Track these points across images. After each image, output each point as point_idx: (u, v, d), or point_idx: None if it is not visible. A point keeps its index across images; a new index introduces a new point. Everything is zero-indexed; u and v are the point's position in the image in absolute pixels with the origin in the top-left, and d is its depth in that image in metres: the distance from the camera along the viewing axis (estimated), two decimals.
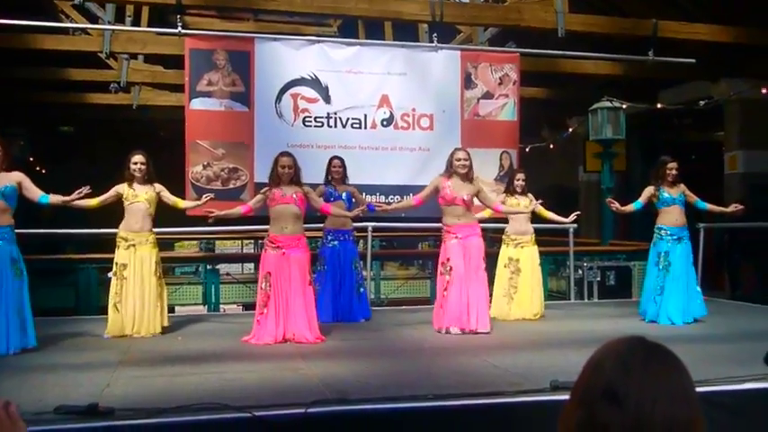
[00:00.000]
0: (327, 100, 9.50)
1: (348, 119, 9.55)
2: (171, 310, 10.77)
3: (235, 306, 11.36)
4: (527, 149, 12.93)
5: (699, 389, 3.73)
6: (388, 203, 8.46)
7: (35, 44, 11.12)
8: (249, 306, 10.65)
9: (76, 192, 6.55)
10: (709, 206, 7.98)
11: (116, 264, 6.97)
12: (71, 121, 18.67)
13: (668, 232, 7.67)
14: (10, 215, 6.26)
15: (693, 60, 10.52)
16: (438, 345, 6.51)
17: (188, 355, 5.99)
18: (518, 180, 8.33)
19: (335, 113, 9.51)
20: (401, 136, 9.65)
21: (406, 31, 12.37)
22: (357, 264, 8.15)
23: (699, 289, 7.79)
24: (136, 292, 6.86)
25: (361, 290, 8.16)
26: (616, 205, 7.90)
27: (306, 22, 14.80)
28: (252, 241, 14.98)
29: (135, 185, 7.05)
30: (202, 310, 10.36)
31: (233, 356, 5.89)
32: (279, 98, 9.35)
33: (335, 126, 9.52)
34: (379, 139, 9.59)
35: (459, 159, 7.26)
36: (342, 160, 8.24)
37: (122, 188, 7.06)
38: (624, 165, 14.41)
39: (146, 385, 4.80)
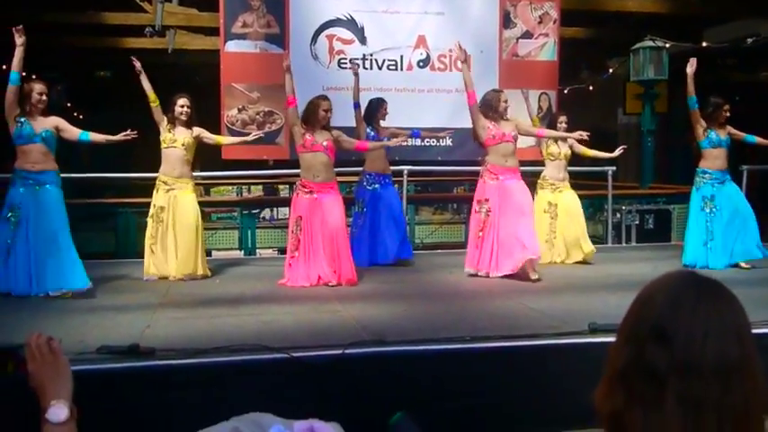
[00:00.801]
0: (363, 41, 9.38)
1: (384, 60, 9.44)
2: (208, 254, 10.93)
3: (270, 251, 11.44)
4: (565, 91, 12.67)
5: (759, 330, 3.63)
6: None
7: None
8: (284, 251, 10.74)
9: (122, 133, 6.58)
10: (758, 139, 7.79)
11: (153, 206, 6.97)
12: (107, 66, 18.68)
13: (712, 176, 7.48)
14: (53, 160, 6.30)
15: None
16: (474, 288, 6.51)
17: (226, 297, 6.05)
18: (561, 123, 8.13)
19: (371, 55, 9.40)
20: (438, 77, 9.53)
21: None
22: (398, 207, 8.06)
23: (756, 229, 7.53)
24: (175, 236, 6.85)
25: (403, 231, 8.05)
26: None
27: None
28: (286, 186, 15.01)
29: (177, 129, 6.98)
30: (239, 254, 10.45)
31: (270, 299, 5.95)
32: (314, 39, 9.26)
33: (371, 68, 9.41)
34: (416, 81, 9.48)
35: (506, 101, 7.12)
36: (386, 103, 8.01)
37: (163, 126, 6.99)
38: (666, 107, 14.06)
39: (185, 327, 4.87)
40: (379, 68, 9.42)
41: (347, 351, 3.99)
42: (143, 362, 3.91)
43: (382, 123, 8.01)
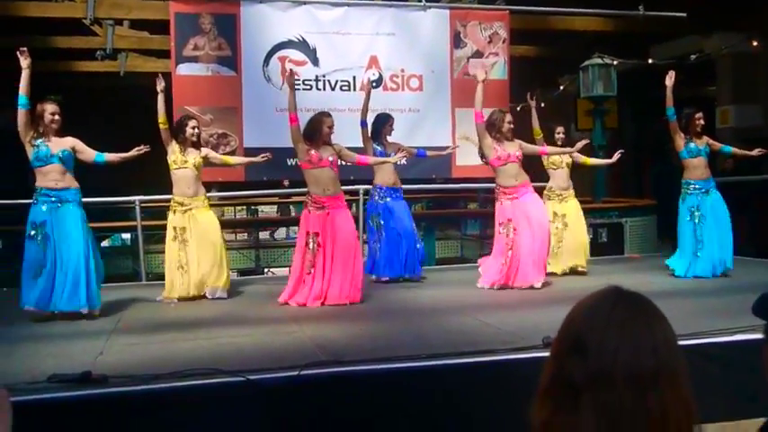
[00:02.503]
0: (315, 62, 9.41)
1: (337, 81, 9.48)
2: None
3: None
4: (518, 109, 12.85)
5: (691, 341, 3.73)
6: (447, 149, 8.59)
7: (18, 12, 10.95)
8: (243, 272, 10.72)
9: (135, 149, 6.59)
10: (734, 150, 8.05)
11: (174, 228, 6.99)
12: (59, 90, 18.44)
13: (696, 186, 7.67)
14: (72, 178, 6.29)
15: (684, 14, 10.44)
16: (431, 304, 6.53)
17: (182, 321, 5.99)
18: (558, 134, 8.40)
19: (324, 76, 9.44)
20: (390, 97, 9.58)
21: None
22: (411, 221, 8.07)
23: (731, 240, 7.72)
24: (200, 254, 6.91)
25: (418, 246, 8.09)
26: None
27: None
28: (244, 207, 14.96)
29: (188, 150, 7.07)
30: None
31: (226, 322, 5.90)
32: (266, 61, 9.26)
33: (324, 89, 9.45)
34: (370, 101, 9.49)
35: (511, 122, 7.35)
36: (393, 119, 8.12)
37: (174, 149, 7.04)
38: (616, 122, 14.35)
39: (139, 352, 4.80)
40: (332, 89, 9.46)
41: (303, 372, 3.97)
42: (95, 389, 3.84)
43: (389, 139, 8.09)
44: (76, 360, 4.44)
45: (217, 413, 3.87)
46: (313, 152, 6.69)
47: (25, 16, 11.10)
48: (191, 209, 6.99)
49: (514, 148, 7.32)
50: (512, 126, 7.35)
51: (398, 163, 7.79)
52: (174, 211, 7.03)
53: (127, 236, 10.83)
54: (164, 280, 7.15)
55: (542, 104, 15.20)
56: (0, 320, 6.08)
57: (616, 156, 8.43)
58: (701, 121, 7.71)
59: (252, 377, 3.91)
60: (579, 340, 1.19)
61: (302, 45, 9.36)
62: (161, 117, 7.08)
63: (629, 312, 1.21)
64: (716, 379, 4.38)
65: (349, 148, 7.16)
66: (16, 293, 6.25)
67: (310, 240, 6.62)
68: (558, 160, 8.29)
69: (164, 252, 10.33)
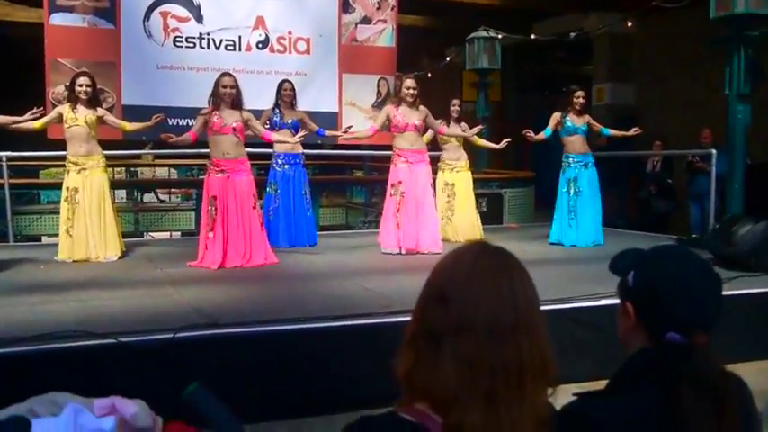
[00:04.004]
0: (199, 19, 9.13)
1: (222, 40, 9.23)
2: (38, 239, 10.37)
3: None
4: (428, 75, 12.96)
5: (562, 305, 3.87)
6: (344, 131, 8.38)
7: None
8: (123, 235, 10.33)
9: (29, 112, 6.41)
10: (612, 132, 8.40)
11: (66, 188, 6.78)
12: None
13: (575, 159, 8.01)
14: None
15: None
16: (314, 269, 6.53)
17: (51, 283, 5.72)
18: (453, 106, 8.51)
19: (208, 34, 9.17)
20: (277, 59, 9.44)
21: None
22: (306, 189, 8.02)
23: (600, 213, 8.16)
24: (91, 218, 6.74)
25: (308, 214, 8.05)
26: (531, 134, 8.03)
27: None
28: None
29: (78, 108, 6.82)
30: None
31: (99, 284, 5.69)
32: (147, 16, 8.90)
33: (208, 47, 9.19)
34: (255, 62, 9.34)
35: (409, 88, 7.39)
36: (292, 84, 7.98)
37: (64, 109, 6.84)
38: (499, 95, 14.69)
39: (4, 315, 4.56)
40: (217, 48, 9.21)
41: (178, 335, 3.89)
42: None
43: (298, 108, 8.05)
44: None
45: (87, 377, 3.73)
46: (215, 118, 6.56)
47: None
48: (84, 168, 6.80)
49: (416, 116, 7.38)
50: (410, 91, 7.37)
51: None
52: (69, 171, 6.85)
53: None
54: (38, 241, 6.88)
55: (429, 75, 15.52)
56: None
57: (503, 143, 8.59)
58: (581, 100, 8.04)
59: (124, 339, 3.79)
60: (442, 290, 1.22)
61: (185, 1, 9.04)
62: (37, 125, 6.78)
63: (492, 265, 1.24)
64: (584, 341, 4.59)
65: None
66: None
67: (209, 204, 6.56)
68: (454, 133, 8.43)
69: (36, 213, 9.95)
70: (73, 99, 6.89)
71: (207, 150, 6.87)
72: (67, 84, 8.34)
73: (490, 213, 10.45)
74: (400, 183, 7.34)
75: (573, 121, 8.01)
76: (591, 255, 7.26)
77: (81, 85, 6.87)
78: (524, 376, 1.17)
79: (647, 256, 1.57)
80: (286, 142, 7.52)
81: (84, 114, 6.84)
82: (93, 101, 6.98)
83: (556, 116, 8.06)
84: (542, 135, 8.09)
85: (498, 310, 1.18)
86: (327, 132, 8.20)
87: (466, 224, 8.42)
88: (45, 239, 9.90)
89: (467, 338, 1.17)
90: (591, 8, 12.73)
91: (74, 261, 6.73)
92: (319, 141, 9.20)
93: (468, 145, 8.86)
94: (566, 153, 8.09)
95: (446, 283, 1.22)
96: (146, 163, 14.11)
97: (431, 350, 1.19)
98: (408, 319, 3.57)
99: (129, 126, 7.34)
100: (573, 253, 7.56)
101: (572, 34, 12.07)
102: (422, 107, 7.49)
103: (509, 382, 1.16)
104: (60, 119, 6.84)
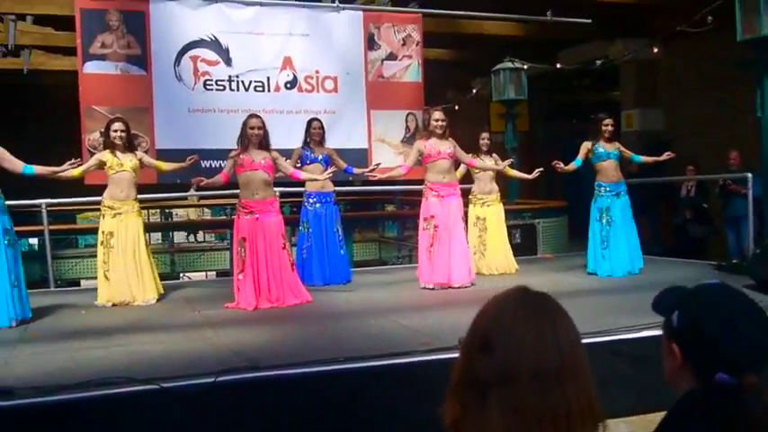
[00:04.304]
0: (228, 62, 9.26)
1: (251, 82, 9.35)
2: (77, 283, 10.52)
3: None
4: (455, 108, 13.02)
5: (599, 338, 3.84)
6: (372, 169, 8.23)
7: None
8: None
9: (68, 162, 6.51)
10: (643, 158, 8.34)
11: (102, 232, 6.90)
12: None
13: (607, 189, 7.92)
14: None
15: (590, 21, 10.76)
16: (348, 308, 6.53)
17: (92, 329, 5.79)
18: (483, 139, 8.52)
19: (237, 76, 9.29)
20: (305, 99, 9.52)
21: None
22: (339, 226, 8.09)
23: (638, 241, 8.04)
24: (126, 261, 6.84)
25: (342, 252, 8.11)
26: (561, 165, 7.98)
27: None
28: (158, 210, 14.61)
29: (118, 153, 6.99)
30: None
31: (138, 329, 5.74)
32: (177, 61, 9.05)
33: (238, 89, 9.30)
34: (284, 103, 9.43)
35: (437, 120, 7.48)
36: (321, 122, 8.15)
37: (105, 156, 6.99)
38: (527, 125, 14.68)
39: (46, 362, 4.63)
40: (246, 90, 9.32)
41: (219, 379, 3.91)
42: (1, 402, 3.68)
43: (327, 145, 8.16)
44: None
45: (130, 423, 3.76)
46: (244, 156, 6.69)
47: None
48: (120, 213, 6.93)
49: (446, 146, 7.43)
50: (439, 123, 7.44)
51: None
52: (104, 216, 6.97)
53: (34, 241, 10.46)
54: (76, 286, 6.98)
55: (456, 107, 15.59)
56: None
57: (535, 173, 8.55)
58: (610, 127, 8.00)
59: (166, 385, 3.82)
60: (486, 338, 1.22)
61: (214, 44, 9.19)
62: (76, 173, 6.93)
63: (534, 310, 1.25)
64: (624, 374, 4.54)
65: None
66: None
67: (239, 246, 6.64)
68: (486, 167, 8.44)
69: (75, 257, 10.12)
70: (109, 145, 7.06)
71: (238, 191, 6.93)
72: (102, 130, 8.58)
73: (524, 244, 10.40)
74: (433, 217, 7.35)
75: (604, 147, 7.97)
76: (627, 284, 7.20)
77: (116, 131, 7.03)
78: (572, 422, 1.17)
79: (690, 295, 1.56)
80: (315, 179, 7.58)
81: (128, 159, 7.01)
82: (129, 145, 7.13)
83: (586, 145, 8.02)
84: (573, 165, 8.05)
85: (543, 356, 1.18)
86: (356, 170, 8.25)
87: (499, 258, 8.40)
88: (84, 283, 10.05)
89: (512, 387, 1.17)
90: (616, 35, 12.74)
91: (113, 305, 6.80)
92: (350, 179, 9.26)
93: (499, 176, 8.85)
94: (598, 181, 8.00)
95: (489, 331, 1.23)
96: (179, 204, 14.28)
97: (477, 400, 1.19)
98: (447, 356, 3.57)
99: (165, 166, 7.48)
100: (609, 283, 7.46)
101: (598, 62, 12.07)
102: (450, 139, 7.53)
103: (557, 429, 1.16)
104: (101, 165, 6.99)
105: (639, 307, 5.49)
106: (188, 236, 13.40)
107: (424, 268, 7.39)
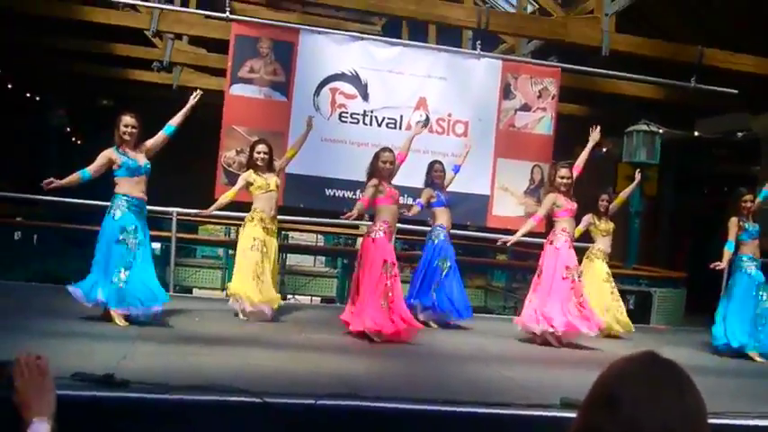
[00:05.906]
0: (365, 97, 9.54)
1: (384, 118, 9.58)
2: (190, 291, 11.01)
3: None
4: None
5: (713, 420, 3.69)
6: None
7: (83, 16, 11.28)
8: None
9: (192, 96, 7.27)
10: None
11: (254, 238, 7.19)
12: (112, 95, 18.88)
13: (757, 264, 7.56)
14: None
15: (736, 91, 10.42)
16: (452, 351, 6.54)
17: (205, 337, 6.06)
18: (602, 201, 8.40)
19: (372, 111, 9.55)
20: (435, 140, 9.65)
21: (449, 36, 12.37)
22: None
23: None
24: (268, 269, 7.21)
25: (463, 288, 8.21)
26: (719, 265, 7.55)
27: (350, 19, 14.87)
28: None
29: (262, 174, 7.38)
30: (220, 294, 10.46)
31: (250, 342, 5.96)
32: (317, 91, 9.41)
33: (371, 124, 9.55)
34: (414, 142, 9.58)
35: (563, 177, 7.33)
36: (443, 165, 8.30)
37: (251, 176, 7.37)
38: (655, 190, 14.27)
39: (161, 361, 4.88)
40: (379, 125, 9.56)
41: (320, 402, 4.01)
42: (116, 392, 3.91)
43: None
44: (99, 361, 4.51)
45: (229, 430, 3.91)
46: (387, 187, 6.89)
47: (89, 21, 11.41)
48: (268, 228, 7.31)
49: (572, 205, 7.37)
50: (564, 180, 7.28)
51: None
52: (255, 225, 7.26)
53: (156, 245, 11.00)
54: (190, 293, 7.25)
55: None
56: (24, 315, 6.20)
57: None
58: (749, 204, 7.62)
59: (269, 400, 3.95)
60: (612, 395, 1.23)
61: (354, 79, 9.50)
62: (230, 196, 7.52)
63: (664, 376, 1.25)
64: None
65: (396, 187, 7.19)
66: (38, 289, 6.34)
67: (383, 268, 6.62)
68: (606, 227, 8.31)
69: (192, 266, 10.57)
70: (251, 165, 7.42)
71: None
72: (239, 149, 8.98)
73: (637, 311, 10.11)
74: (576, 266, 7.24)
75: (751, 224, 7.59)
76: (747, 367, 6.87)
77: (259, 152, 7.39)
78: None
79: None
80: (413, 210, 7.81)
81: (273, 179, 7.38)
82: (270, 166, 7.45)
83: (734, 221, 7.55)
84: (727, 252, 7.54)
85: (669, 420, 1.19)
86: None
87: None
88: (196, 292, 10.49)
89: None
90: (761, 109, 12.28)
91: (261, 302, 7.05)
92: (468, 223, 9.27)
93: (616, 239, 8.63)
94: (747, 254, 7.54)
95: (616, 389, 1.24)
96: (295, 227, 14.64)
97: None
98: (545, 414, 3.53)
99: (292, 150, 7.89)
100: (728, 364, 7.10)
101: (739, 133, 11.67)
102: (573, 198, 7.43)
103: None
104: (247, 186, 7.36)
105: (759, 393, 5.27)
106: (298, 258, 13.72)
107: (556, 313, 6.97)
